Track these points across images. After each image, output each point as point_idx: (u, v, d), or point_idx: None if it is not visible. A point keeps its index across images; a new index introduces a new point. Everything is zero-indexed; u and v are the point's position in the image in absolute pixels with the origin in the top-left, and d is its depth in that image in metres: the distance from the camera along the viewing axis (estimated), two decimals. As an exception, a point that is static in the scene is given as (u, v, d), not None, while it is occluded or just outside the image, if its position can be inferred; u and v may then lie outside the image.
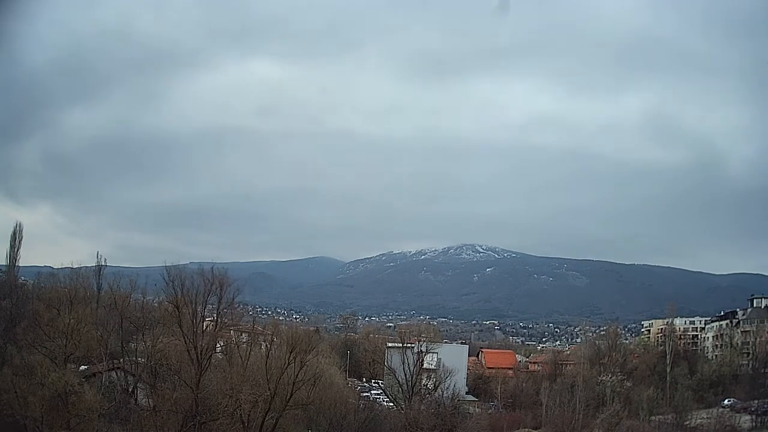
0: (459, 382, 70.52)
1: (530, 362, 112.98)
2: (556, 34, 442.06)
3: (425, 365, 67.81)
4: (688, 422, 58.73)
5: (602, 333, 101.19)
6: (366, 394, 72.19)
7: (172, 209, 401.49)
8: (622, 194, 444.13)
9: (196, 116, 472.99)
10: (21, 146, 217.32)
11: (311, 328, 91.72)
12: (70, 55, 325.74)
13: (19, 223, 73.49)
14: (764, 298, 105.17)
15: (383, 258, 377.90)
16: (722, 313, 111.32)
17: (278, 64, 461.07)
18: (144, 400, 42.87)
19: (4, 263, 71.85)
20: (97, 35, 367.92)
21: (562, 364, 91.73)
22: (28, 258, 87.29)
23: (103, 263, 63.07)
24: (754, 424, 63.34)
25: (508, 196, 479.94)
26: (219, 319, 44.39)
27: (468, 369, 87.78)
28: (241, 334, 54.80)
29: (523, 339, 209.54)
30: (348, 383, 72.54)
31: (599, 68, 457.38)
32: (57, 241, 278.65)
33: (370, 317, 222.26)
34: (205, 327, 44.23)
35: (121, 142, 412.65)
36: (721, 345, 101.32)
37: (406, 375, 65.32)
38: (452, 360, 71.83)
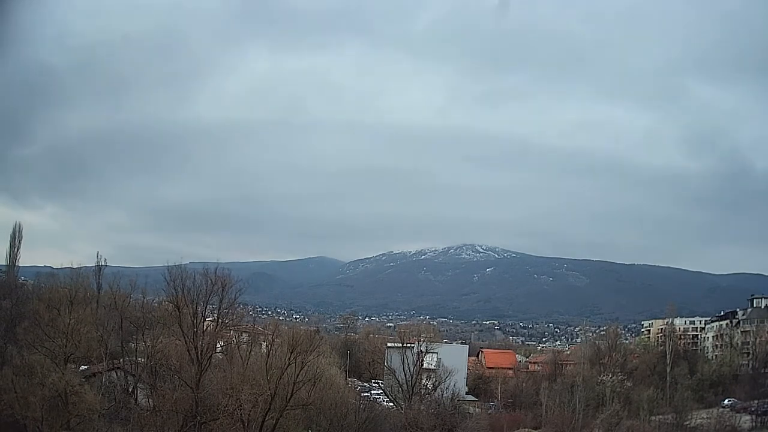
0: (459, 382, 70.53)
1: (530, 362, 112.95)
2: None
3: (425, 365, 67.84)
4: (688, 422, 58.65)
5: (602, 333, 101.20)
6: (366, 394, 72.10)
7: (173, 210, 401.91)
8: (625, 196, 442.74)
9: (203, 116, 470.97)
10: (24, 146, 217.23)
11: (311, 328, 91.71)
12: (81, 54, 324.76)
13: (19, 223, 73.32)
14: (764, 298, 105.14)
15: (383, 258, 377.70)
16: (722, 313, 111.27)
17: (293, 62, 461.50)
18: (144, 400, 42.90)
19: (4, 263, 71.85)
20: (110, 35, 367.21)
21: (562, 364, 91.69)
22: (28, 258, 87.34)
23: (103, 263, 62.96)
24: (754, 424, 63.28)
25: (510, 197, 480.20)
26: (219, 319, 44.40)
27: (468, 369, 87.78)
28: (242, 334, 54.81)
29: (523, 339, 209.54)
30: (348, 383, 72.46)
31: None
32: (57, 241, 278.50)
33: (370, 317, 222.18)
34: (205, 327, 44.24)
35: (124, 142, 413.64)
36: (721, 345, 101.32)
37: (406, 375, 65.35)
38: (452, 360, 71.85)
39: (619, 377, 73.17)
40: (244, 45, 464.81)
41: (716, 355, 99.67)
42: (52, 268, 78.35)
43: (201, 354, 40.17)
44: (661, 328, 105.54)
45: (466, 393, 79.70)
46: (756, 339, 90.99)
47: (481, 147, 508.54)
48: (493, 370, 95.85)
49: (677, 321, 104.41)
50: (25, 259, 73.25)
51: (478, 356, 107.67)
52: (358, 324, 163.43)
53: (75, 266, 60.42)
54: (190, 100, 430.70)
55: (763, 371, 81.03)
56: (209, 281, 42.34)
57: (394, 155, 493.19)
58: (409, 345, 70.24)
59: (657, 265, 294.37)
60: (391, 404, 65.01)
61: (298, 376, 40.22)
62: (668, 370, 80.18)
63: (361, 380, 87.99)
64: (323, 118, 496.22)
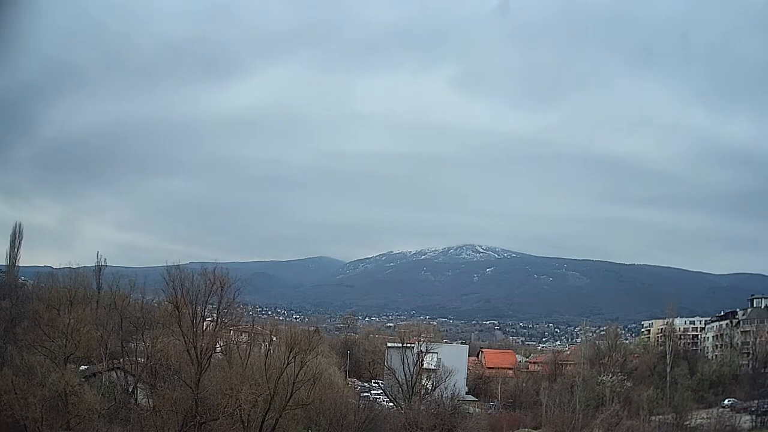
0: (459, 382, 70.46)
1: (530, 362, 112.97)
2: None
3: (425, 365, 67.77)
4: (688, 422, 58.67)
5: (602, 333, 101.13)
6: (366, 394, 72.12)
7: (173, 209, 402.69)
8: (625, 197, 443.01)
9: (204, 118, 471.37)
10: (25, 145, 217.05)
11: (311, 328, 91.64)
12: (93, 52, 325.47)
13: (19, 223, 73.43)
14: (764, 298, 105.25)
15: (383, 258, 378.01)
16: (722, 313, 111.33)
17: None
18: (144, 400, 42.88)
19: (4, 263, 71.86)
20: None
21: (562, 364, 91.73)
22: (28, 258, 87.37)
23: (103, 263, 63.20)
24: (754, 424, 63.35)
25: (511, 197, 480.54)
26: (219, 319, 44.35)
27: (468, 369, 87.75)
28: (241, 334, 54.80)
29: (523, 339, 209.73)
30: (348, 383, 72.51)
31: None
32: (57, 241, 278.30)
33: (370, 317, 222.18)
34: (204, 327, 44.21)
35: (126, 142, 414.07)
36: (721, 345, 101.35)
37: (406, 375, 65.26)
38: (452, 360, 71.85)
39: (619, 377, 73.18)
40: (280, 56, 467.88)
41: (716, 355, 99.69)
42: (52, 268, 78.33)
43: (200, 354, 40.09)
44: (661, 328, 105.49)
45: (466, 393, 79.64)
46: (756, 339, 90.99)
47: (482, 147, 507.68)
48: (493, 370, 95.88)
49: (677, 321, 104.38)
50: (25, 259, 73.45)
51: (478, 356, 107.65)
52: (358, 324, 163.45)
53: (75, 266, 60.69)
54: (197, 103, 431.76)
55: (763, 371, 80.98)
56: (208, 281, 42.29)
57: (396, 156, 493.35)
58: (409, 345, 70.18)
59: (657, 265, 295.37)
60: (391, 404, 64.94)
61: (297, 376, 40.17)
62: (668, 370, 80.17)
63: (361, 380, 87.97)
64: (337, 119, 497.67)
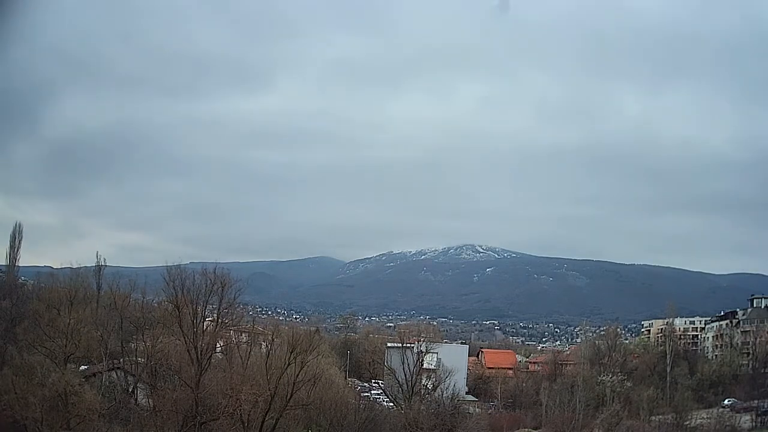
0: (459, 382, 70.39)
1: (530, 362, 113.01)
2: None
3: (425, 365, 67.66)
4: (688, 422, 58.71)
5: (602, 333, 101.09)
6: (366, 394, 72.03)
7: (173, 209, 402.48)
8: (626, 196, 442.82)
9: (208, 115, 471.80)
10: (24, 144, 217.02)
11: (311, 328, 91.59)
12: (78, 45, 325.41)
13: (19, 223, 73.21)
14: (764, 298, 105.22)
15: (383, 258, 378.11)
16: (722, 313, 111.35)
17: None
18: (144, 400, 42.88)
19: (4, 263, 71.79)
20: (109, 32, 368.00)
21: (562, 364, 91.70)
22: (28, 258, 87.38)
23: (103, 263, 63.07)
24: (754, 424, 63.37)
25: (510, 196, 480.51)
26: (219, 319, 44.32)
27: (468, 369, 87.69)
28: (241, 334, 54.73)
29: (523, 339, 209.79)
30: (348, 383, 72.38)
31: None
32: (57, 240, 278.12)
33: (370, 317, 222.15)
34: (205, 327, 44.18)
35: (125, 142, 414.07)
36: (721, 345, 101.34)
37: (406, 375, 65.16)
38: (452, 360, 71.73)
39: (619, 377, 73.19)
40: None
41: (716, 355, 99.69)
42: (52, 268, 78.40)
43: (201, 354, 40.06)
44: (661, 328, 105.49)
45: (466, 393, 79.57)
46: (756, 339, 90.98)
47: (484, 149, 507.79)
48: (493, 370, 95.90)
49: (677, 321, 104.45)
50: (25, 259, 73.37)
51: (478, 356, 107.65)
52: (358, 324, 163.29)
53: (75, 266, 60.66)
54: (199, 105, 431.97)
55: (763, 371, 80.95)
56: (209, 281, 42.25)
57: (397, 158, 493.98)
58: (409, 345, 70.04)
59: (657, 265, 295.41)
60: (391, 404, 64.87)
61: (297, 376, 40.14)
62: (668, 370, 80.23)
63: (361, 380, 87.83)
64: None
